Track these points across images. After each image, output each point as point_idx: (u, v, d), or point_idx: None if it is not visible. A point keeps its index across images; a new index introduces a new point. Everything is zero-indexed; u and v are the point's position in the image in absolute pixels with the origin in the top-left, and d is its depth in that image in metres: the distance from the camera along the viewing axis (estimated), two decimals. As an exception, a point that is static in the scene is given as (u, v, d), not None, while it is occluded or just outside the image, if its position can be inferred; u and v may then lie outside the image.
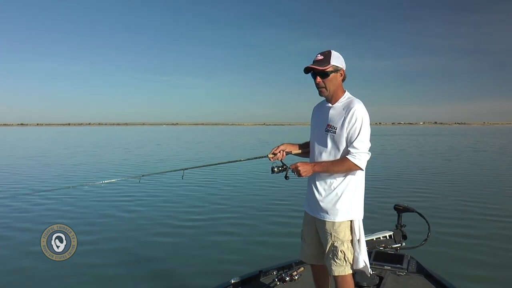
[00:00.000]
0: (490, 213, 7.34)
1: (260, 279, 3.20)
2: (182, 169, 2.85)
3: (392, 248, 3.56)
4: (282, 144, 2.59)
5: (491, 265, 4.74)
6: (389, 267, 3.31)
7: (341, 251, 2.35)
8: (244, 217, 7.27)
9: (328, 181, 2.38)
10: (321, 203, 2.39)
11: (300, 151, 2.64)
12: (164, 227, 6.60)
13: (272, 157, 2.52)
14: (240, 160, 3.05)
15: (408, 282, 3.12)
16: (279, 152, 2.53)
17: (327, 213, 2.38)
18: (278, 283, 3.06)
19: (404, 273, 3.24)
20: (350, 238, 2.38)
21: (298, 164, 2.36)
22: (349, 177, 2.35)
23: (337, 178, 2.35)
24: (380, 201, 8.10)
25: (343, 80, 2.43)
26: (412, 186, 10.73)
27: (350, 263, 2.37)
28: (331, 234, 2.37)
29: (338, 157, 2.34)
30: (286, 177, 2.44)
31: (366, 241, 3.49)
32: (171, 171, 3.17)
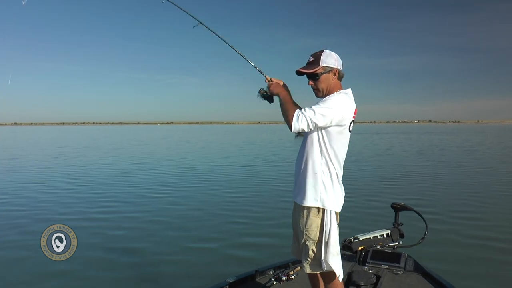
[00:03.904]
0: (487, 211, 7.39)
1: (257, 279, 3.15)
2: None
3: (389, 246, 3.54)
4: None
5: (488, 263, 4.74)
6: (386, 266, 3.29)
7: (309, 247, 2.27)
8: (240, 215, 7.19)
9: (300, 162, 2.33)
10: (296, 185, 2.36)
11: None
12: (160, 227, 6.48)
13: (268, 80, 2.43)
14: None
15: (406, 280, 3.10)
16: (277, 81, 2.44)
17: (298, 195, 2.32)
18: (274, 283, 3.02)
19: (402, 272, 3.22)
20: (319, 234, 2.26)
21: (274, 81, 2.38)
22: (313, 161, 2.25)
23: (308, 161, 2.27)
24: (377, 200, 8.12)
25: (341, 78, 2.35)
26: (409, 184, 10.74)
27: (318, 260, 2.26)
28: (301, 224, 2.30)
29: (314, 147, 2.26)
30: (269, 100, 2.44)
31: (364, 240, 3.48)
32: None
